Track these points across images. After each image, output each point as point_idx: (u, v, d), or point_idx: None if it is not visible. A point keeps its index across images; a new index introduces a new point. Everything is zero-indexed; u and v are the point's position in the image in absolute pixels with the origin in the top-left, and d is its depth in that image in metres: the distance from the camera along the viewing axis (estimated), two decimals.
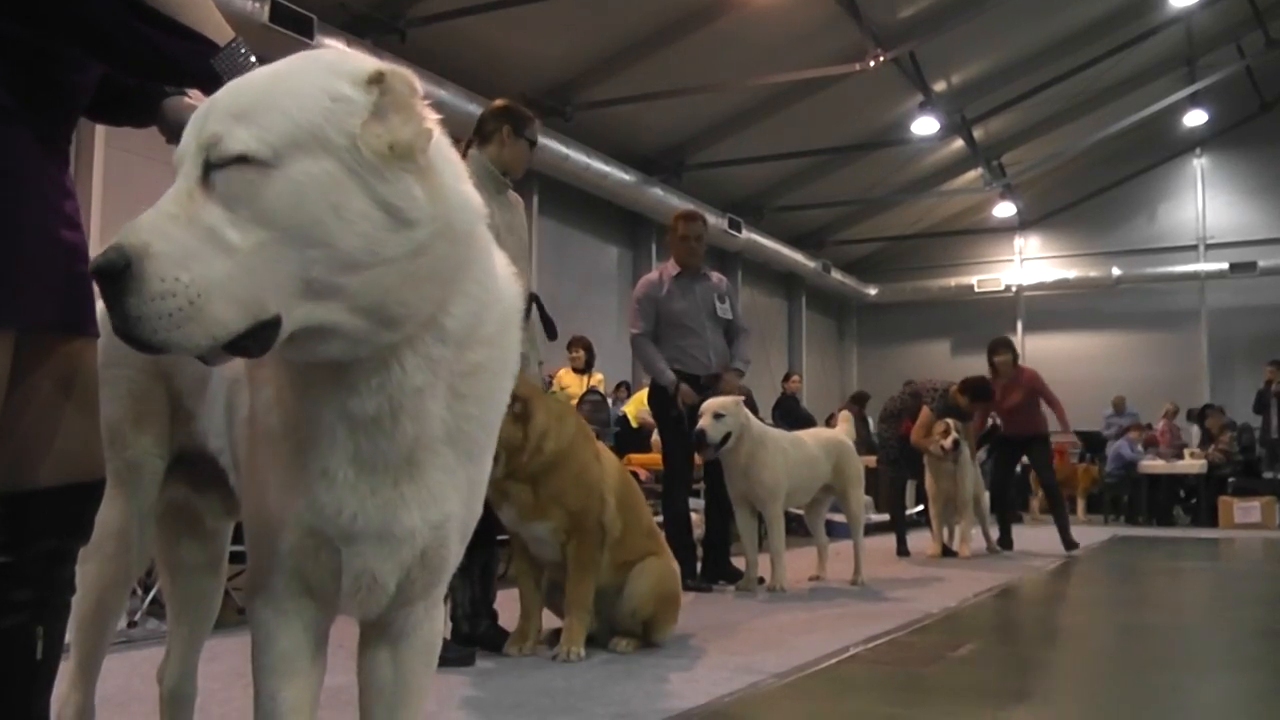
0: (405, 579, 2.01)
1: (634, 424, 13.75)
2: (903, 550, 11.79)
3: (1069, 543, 12.16)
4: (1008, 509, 13.18)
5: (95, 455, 2.19)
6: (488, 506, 5.10)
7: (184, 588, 2.97)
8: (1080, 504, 21.10)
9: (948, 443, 11.23)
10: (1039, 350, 28.97)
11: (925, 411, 11.62)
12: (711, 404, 8.06)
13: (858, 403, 19.58)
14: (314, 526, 1.92)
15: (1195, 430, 21.91)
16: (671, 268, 8.69)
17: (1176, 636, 6.65)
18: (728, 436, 8.02)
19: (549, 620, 5.70)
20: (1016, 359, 13.01)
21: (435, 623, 2.19)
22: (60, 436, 2.13)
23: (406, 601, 2.08)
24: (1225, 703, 4.81)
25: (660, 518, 8.20)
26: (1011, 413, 12.57)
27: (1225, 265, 26.98)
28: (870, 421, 19.32)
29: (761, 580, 8.51)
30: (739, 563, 8.80)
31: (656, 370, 8.43)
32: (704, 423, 7.99)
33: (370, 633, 2.16)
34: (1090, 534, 16.01)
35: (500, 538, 5.85)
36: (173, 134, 2.17)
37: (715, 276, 9.02)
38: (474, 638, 5.39)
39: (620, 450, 13.01)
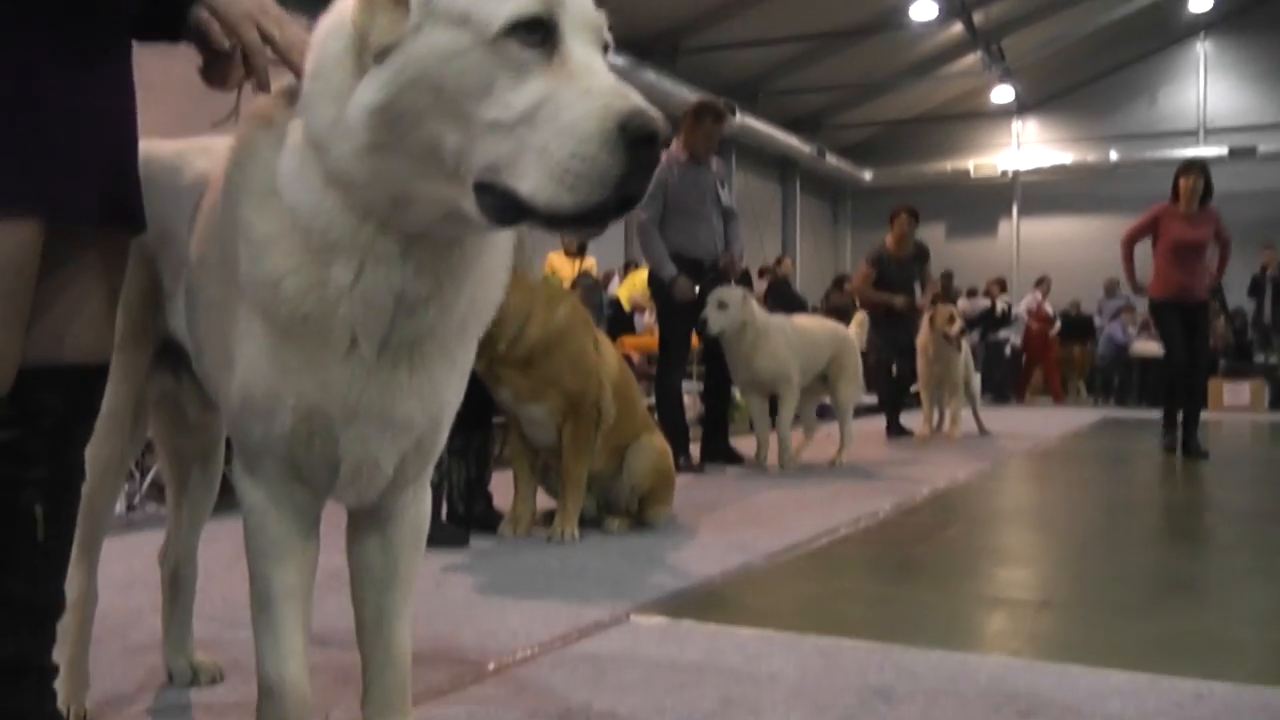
0: (399, 464, 2.06)
1: (626, 308, 13.80)
2: (895, 431, 11.89)
3: (1193, 446, 9.99)
4: (1197, 402, 10.21)
5: (109, 339, 2.22)
6: (483, 389, 5.16)
7: (181, 474, 3.01)
8: (1081, 388, 21.24)
9: (954, 330, 11.29)
10: (1034, 234, 29.06)
11: (863, 266, 11.77)
12: (718, 294, 8.20)
13: (842, 283, 19.63)
14: (318, 406, 1.94)
15: None
16: (679, 154, 8.66)
17: (1162, 516, 6.77)
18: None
19: (543, 502, 5.77)
20: (1210, 190, 9.99)
21: (423, 505, 2.23)
22: (87, 320, 2.14)
23: (397, 486, 2.12)
24: (1204, 578, 4.90)
25: (652, 399, 8.32)
26: (1181, 261, 9.92)
27: (1225, 150, 26.81)
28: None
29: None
30: (736, 444, 8.92)
31: (657, 261, 8.46)
32: (709, 311, 8.18)
33: (359, 517, 2.20)
34: (1080, 416, 16.15)
35: (496, 420, 5.90)
36: (227, 28, 2.09)
37: (716, 161, 9.04)
38: (469, 519, 5.46)
39: (612, 333, 13.07)
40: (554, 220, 1.65)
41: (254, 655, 2.10)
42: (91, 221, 2.07)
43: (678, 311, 8.47)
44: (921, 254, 12.04)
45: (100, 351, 2.17)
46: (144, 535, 4.92)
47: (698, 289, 8.35)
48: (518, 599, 4.08)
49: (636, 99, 1.62)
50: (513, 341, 5.16)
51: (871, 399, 13.56)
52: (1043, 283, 22.16)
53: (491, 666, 3.19)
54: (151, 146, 2.44)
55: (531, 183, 1.62)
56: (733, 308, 8.21)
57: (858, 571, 4.88)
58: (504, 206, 1.69)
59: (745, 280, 9.05)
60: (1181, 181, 9.85)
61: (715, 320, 8.18)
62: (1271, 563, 5.19)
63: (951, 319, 11.37)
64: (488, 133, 1.66)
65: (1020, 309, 22.12)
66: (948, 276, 19.86)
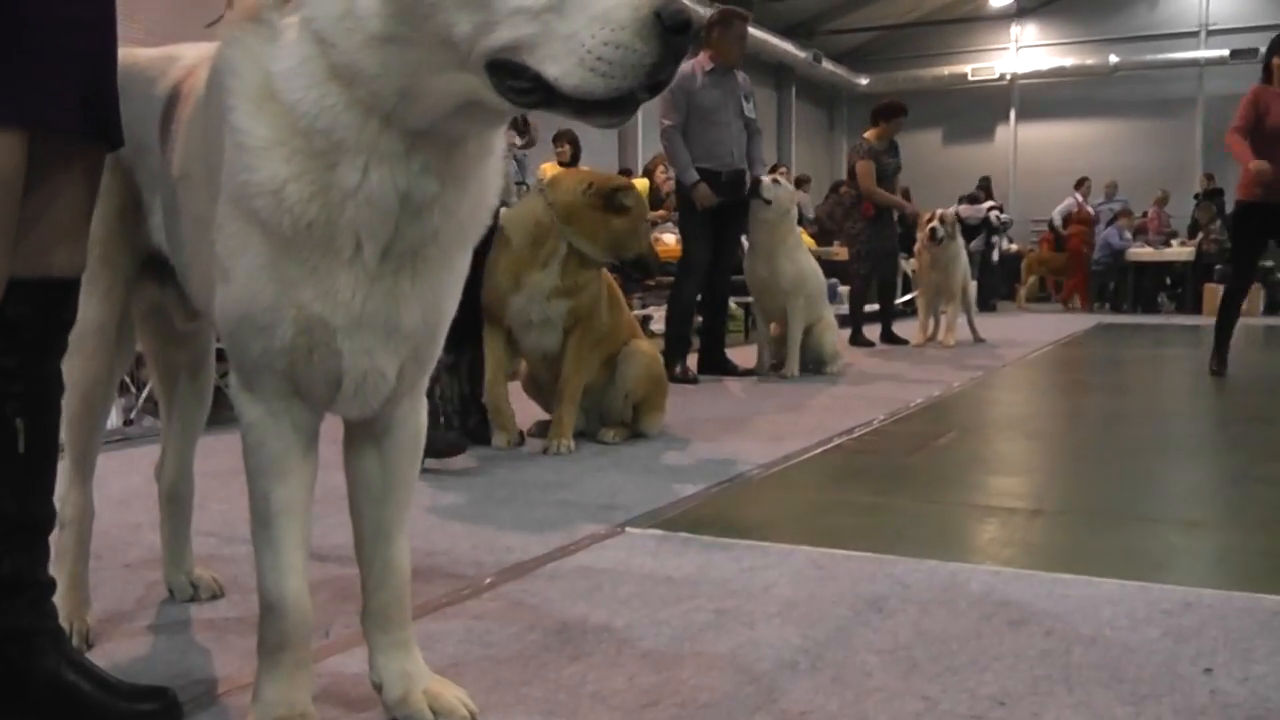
0: (398, 374, 2.06)
1: None
2: (885, 339, 11.93)
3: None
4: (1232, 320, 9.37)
5: (82, 254, 2.21)
6: (474, 303, 5.15)
7: (171, 388, 3.01)
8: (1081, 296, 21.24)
9: (924, 233, 11.28)
10: (1032, 139, 28.89)
11: (864, 164, 11.59)
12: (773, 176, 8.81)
13: (838, 189, 19.54)
14: (321, 317, 1.93)
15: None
16: (705, 62, 8.71)
17: (1155, 422, 6.78)
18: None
19: (534, 413, 5.80)
20: None
21: (420, 416, 2.23)
22: (59, 234, 2.14)
23: (394, 397, 2.11)
24: (1197, 484, 4.94)
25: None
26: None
27: (1226, 52, 26.56)
28: None
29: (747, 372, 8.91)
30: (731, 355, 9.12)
31: (681, 167, 8.55)
32: (766, 179, 8.81)
33: (356, 431, 2.21)
34: (1075, 322, 16.17)
35: None
36: None
37: (741, 75, 9.06)
38: (464, 433, 5.43)
39: None
40: (582, 105, 1.67)
41: (254, 571, 2.12)
42: (71, 132, 2.07)
43: (700, 218, 8.56)
44: (893, 145, 11.89)
45: (73, 266, 2.17)
46: (141, 450, 4.95)
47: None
48: (514, 513, 4.11)
49: None
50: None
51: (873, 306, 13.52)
52: (1083, 184, 21.99)
53: (488, 581, 3.22)
54: (127, 55, 2.41)
55: (559, 68, 1.64)
56: (784, 189, 8.87)
57: (851, 482, 4.90)
58: (523, 88, 1.70)
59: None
60: (1275, 60, 8.79)
61: (769, 190, 8.72)
62: (1261, 468, 5.23)
63: (930, 219, 11.33)
64: (509, 17, 1.66)
65: (1057, 214, 22.04)
66: None
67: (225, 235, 1.95)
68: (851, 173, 11.77)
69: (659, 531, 3.80)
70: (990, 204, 18.65)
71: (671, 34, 1.60)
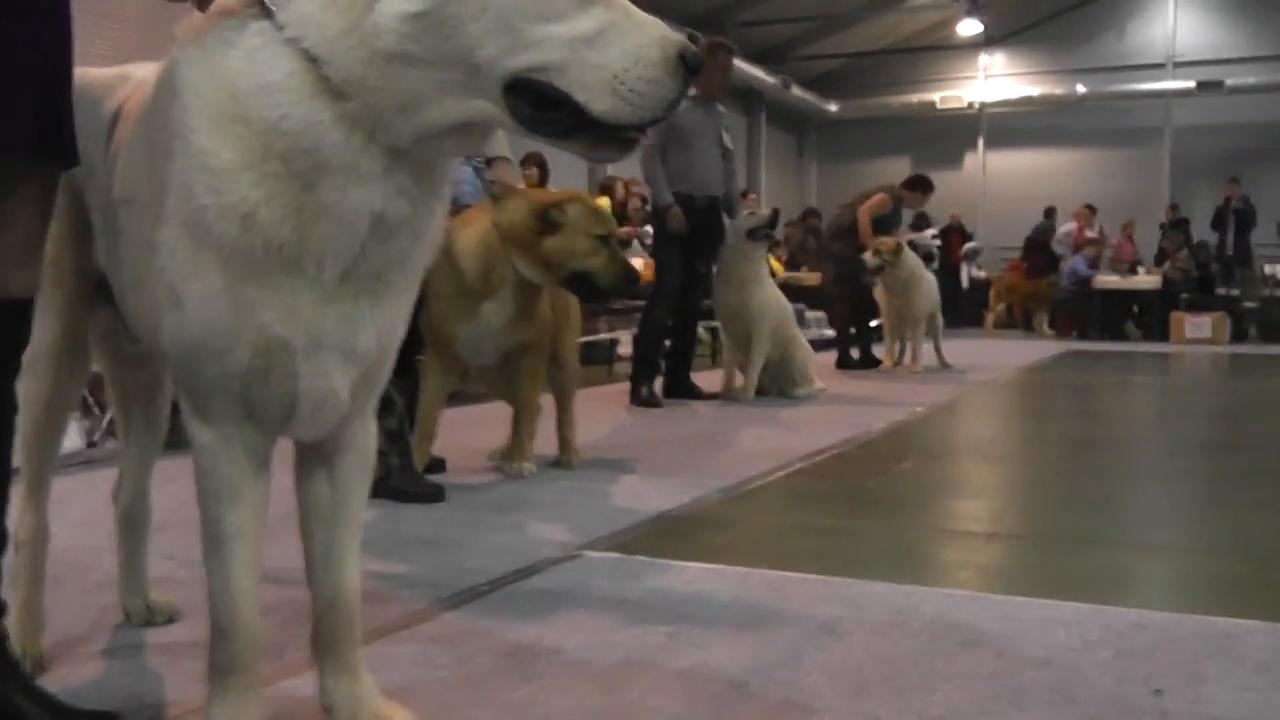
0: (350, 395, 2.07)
1: None
2: (845, 365, 12.01)
3: None
4: None
5: (36, 274, 2.22)
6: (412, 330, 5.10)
7: (128, 410, 3.01)
8: (1043, 319, 21.37)
9: (870, 258, 11.36)
10: (1000, 166, 29.08)
11: (880, 196, 11.84)
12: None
13: (807, 218, 19.69)
14: (280, 339, 1.93)
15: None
16: (691, 89, 8.70)
17: (1118, 448, 6.84)
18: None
19: (490, 437, 5.80)
20: None
21: (369, 437, 2.25)
22: (13, 254, 2.14)
23: (346, 418, 2.12)
24: (1156, 510, 4.98)
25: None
26: None
27: (1193, 84, 26.83)
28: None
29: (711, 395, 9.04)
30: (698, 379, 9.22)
31: (657, 189, 8.66)
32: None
33: (307, 454, 2.21)
34: (1042, 349, 16.27)
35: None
36: None
37: (720, 107, 9.22)
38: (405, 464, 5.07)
39: None
40: (602, 135, 1.83)
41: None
42: (23, 153, 2.07)
43: (673, 241, 8.65)
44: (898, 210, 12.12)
45: (29, 286, 2.18)
46: (104, 472, 4.89)
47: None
48: (472, 536, 4.11)
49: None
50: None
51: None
52: (1081, 213, 22.13)
53: (443, 604, 3.22)
54: (79, 75, 2.41)
55: (588, 94, 1.78)
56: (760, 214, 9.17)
57: (810, 505, 4.93)
58: (549, 118, 1.82)
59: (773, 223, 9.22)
60: None
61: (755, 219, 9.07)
62: (1221, 493, 5.29)
63: (877, 250, 11.43)
64: (540, 42, 1.77)
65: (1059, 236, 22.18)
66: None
67: (177, 260, 1.94)
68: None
69: (616, 554, 3.81)
70: (931, 232, 18.70)
71: (691, 74, 1.82)
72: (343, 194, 1.86)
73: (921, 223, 19.32)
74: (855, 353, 12.12)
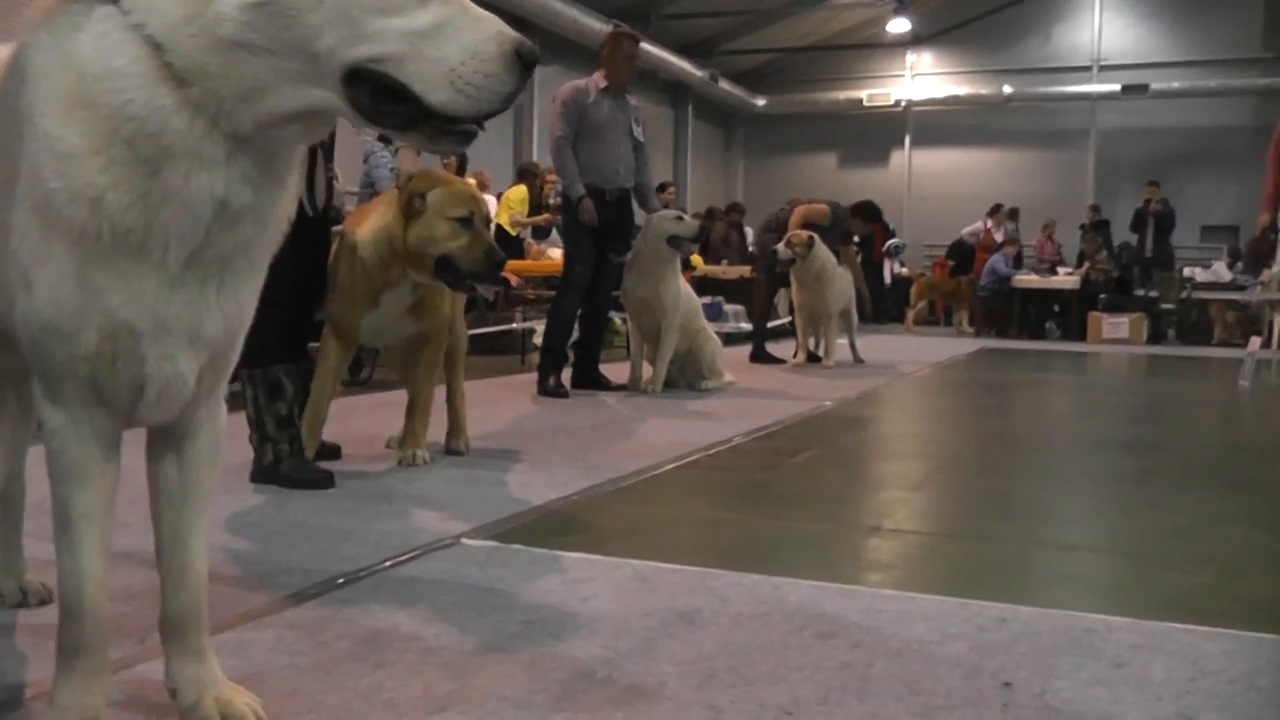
0: (197, 379, 2.10)
1: (511, 231, 13.76)
2: (759, 357, 12.13)
3: None
4: None
5: None
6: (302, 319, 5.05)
7: (1, 392, 3.01)
8: (964, 317, 21.58)
9: (782, 249, 11.45)
10: (926, 164, 29.35)
11: (823, 207, 12.08)
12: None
13: (729, 213, 19.79)
14: (127, 323, 1.95)
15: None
16: (600, 80, 8.87)
17: (1023, 445, 6.95)
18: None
19: (390, 423, 5.81)
20: None
21: (217, 421, 2.27)
22: None
23: (193, 402, 2.15)
24: (1047, 507, 5.01)
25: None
26: None
27: (1118, 87, 27.23)
28: (750, 232, 19.53)
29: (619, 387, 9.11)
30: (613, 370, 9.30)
31: (569, 179, 8.70)
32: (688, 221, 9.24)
33: (156, 437, 2.23)
34: (959, 346, 16.43)
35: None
36: None
37: (633, 98, 9.21)
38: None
39: None
40: (440, 127, 1.91)
41: None
42: None
43: (585, 232, 8.69)
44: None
45: None
46: None
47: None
48: (356, 523, 4.13)
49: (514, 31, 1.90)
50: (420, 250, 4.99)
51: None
52: (997, 212, 22.34)
53: (311, 591, 3.23)
54: None
55: (425, 85, 1.85)
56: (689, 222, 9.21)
57: (696, 497, 4.99)
58: (390, 110, 1.90)
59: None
60: None
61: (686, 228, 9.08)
62: (1116, 491, 5.40)
63: (789, 242, 11.54)
64: (378, 34, 1.83)
65: (966, 233, 22.45)
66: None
67: (28, 244, 1.96)
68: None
69: (492, 543, 3.84)
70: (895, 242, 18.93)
71: (528, 69, 1.89)
72: (186, 179, 1.89)
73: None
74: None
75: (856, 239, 13.23)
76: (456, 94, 1.85)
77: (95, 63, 1.86)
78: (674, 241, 8.93)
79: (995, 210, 22.49)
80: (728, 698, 2.47)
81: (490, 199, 12.87)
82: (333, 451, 5.44)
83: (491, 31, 1.88)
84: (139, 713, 2.35)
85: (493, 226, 13.25)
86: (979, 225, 22.49)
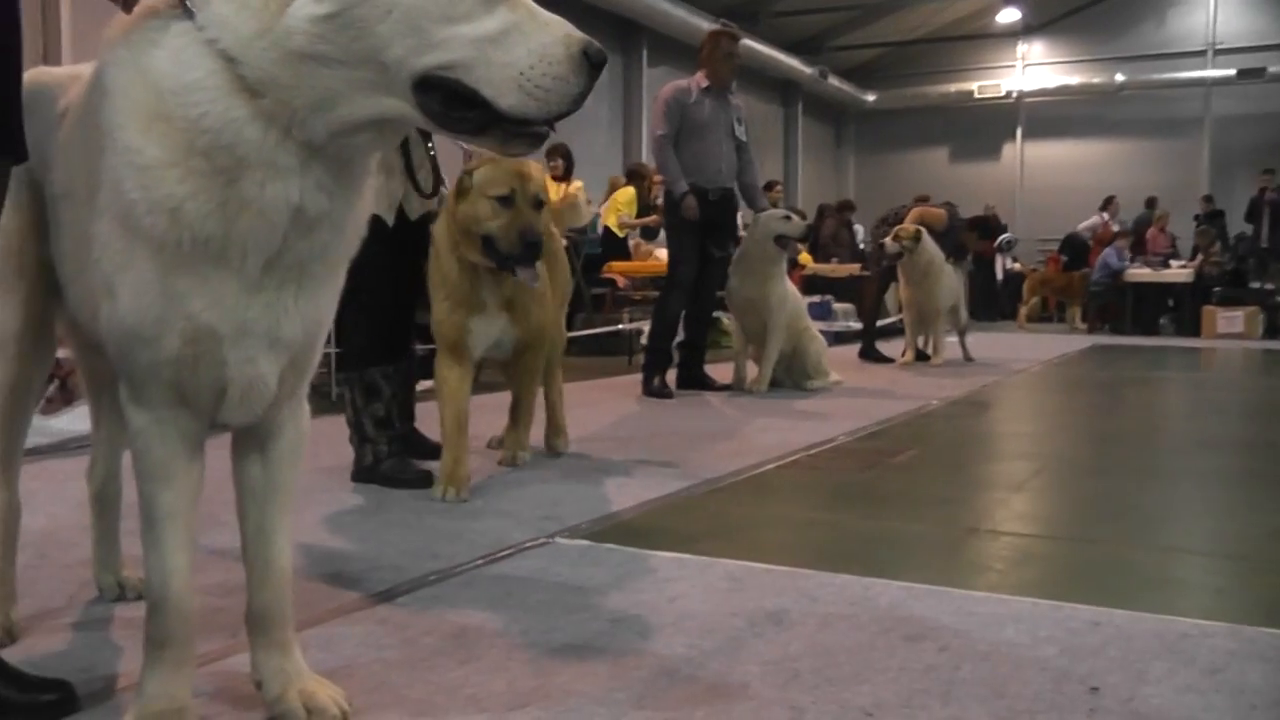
0: (279, 380, 2.16)
1: (619, 232, 13.82)
2: (868, 355, 12.08)
3: None
4: None
5: None
6: (406, 317, 5.07)
7: (98, 393, 3.10)
8: (1076, 313, 21.25)
9: (889, 242, 11.37)
10: (1038, 157, 28.93)
11: (941, 211, 12.04)
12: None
13: (840, 211, 19.65)
14: (208, 327, 2.02)
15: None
16: (702, 80, 8.92)
17: (1129, 445, 6.80)
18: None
19: (494, 423, 5.86)
20: None
21: (300, 422, 2.33)
22: None
23: (275, 403, 2.21)
24: (1150, 508, 4.90)
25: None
26: None
27: (1233, 71, 26.64)
28: (861, 229, 19.43)
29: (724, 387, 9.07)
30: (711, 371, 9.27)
31: (672, 177, 8.70)
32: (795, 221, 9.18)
33: (241, 437, 2.30)
34: (1071, 343, 16.18)
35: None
36: None
37: (735, 98, 9.22)
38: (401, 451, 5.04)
39: (604, 258, 13.14)
40: (513, 131, 1.95)
41: None
42: None
43: (688, 231, 8.70)
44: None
45: None
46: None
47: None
48: (453, 522, 4.19)
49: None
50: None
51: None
52: (1110, 204, 22.00)
53: (404, 587, 3.29)
54: (40, 74, 2.54)
55: (495, 90, 1.89)
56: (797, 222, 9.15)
57: (792, 496, 4.97)
58: (449, 111, 1.93)
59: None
60: None
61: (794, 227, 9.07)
62: (1221, 492, 5.28)
63: (896, 235, 11.46)
64: (444, 43, 1.87)
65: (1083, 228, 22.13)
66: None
67: (110, 252, 2.04)
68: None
69: (586, 542, 3.87)
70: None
71: (596, 70, 1.92)
72: (262, 188, 1.94)
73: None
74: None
75: (969, 255, 13.12)
76: (526, 97, 1.89)
77: (171, 78, 1.92)
78: (781, 240, 8.92)
79: (1108, 203, 22.11)
80: (810, 698, 2.47)
81: (581, 201, 12.81)
82: (427, 446, 5.44)
83: (559, 34, 1.91)
84: (227, 704, 2.41)
85: (598, 225, 13.43)
86: (1096, 220, 22.10)
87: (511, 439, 5.48)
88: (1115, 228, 21.31)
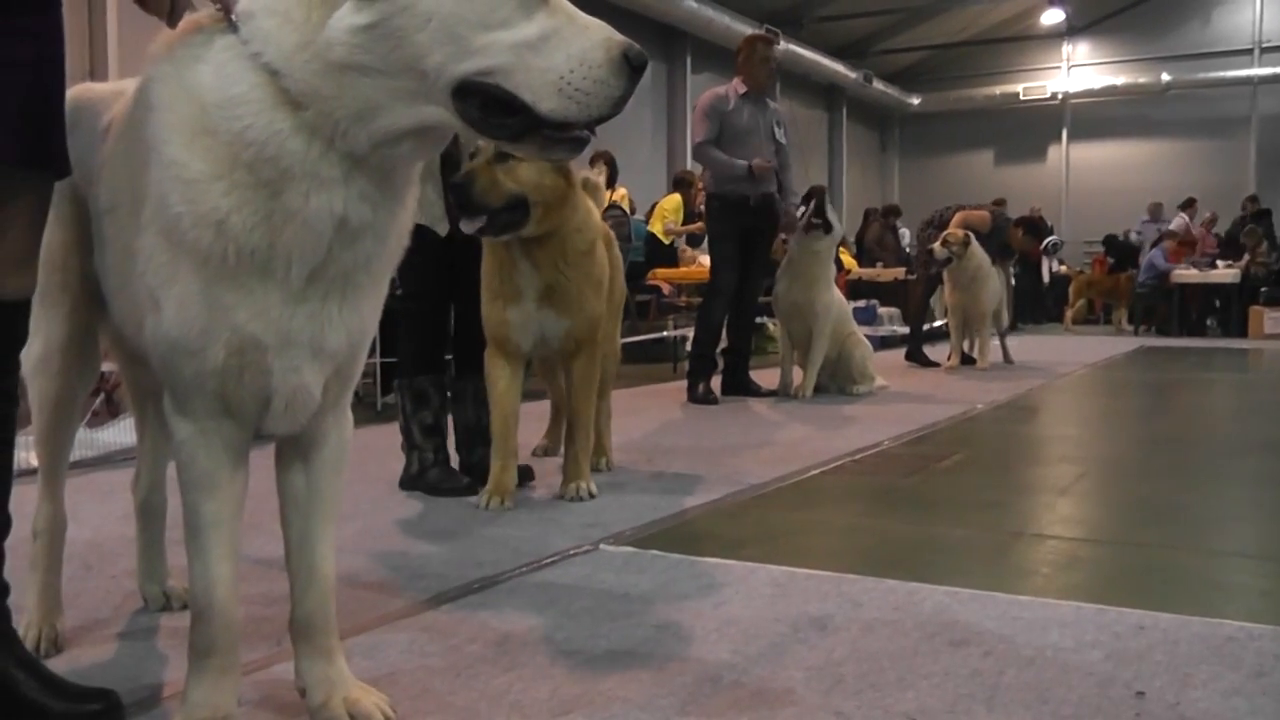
0: (323, 390, 2.18)
1: (665, 240, 13.83)
2: (914, 358, 12.06)
3: None
4: None
5: (31, 276, 2.34)
6: (477, 329, 5.00)
7: (142, 405, 3.14)
8: (1122, 315, 21.09)
9: (938, 248, 11.33)
10: (1084, 158, 28.74)
11: (985, 214, 11.99)
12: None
13: (886, 215, 19.59)
14: (253, 338, 2.04)
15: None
16: (740, 86, 8.93)
17: (1175, 448, 6.75)
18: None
19: (540, 431, 5.88)
20: None
21: (344, 431, 2.35)
22: (7, 257, 2.26)
23: (319, 413, 2.23)
24: (1198, 511, 4.86)
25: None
26: None
27: None
28: (907, 233, 19.38)
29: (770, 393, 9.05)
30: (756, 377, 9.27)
31: (726, 166, 8.65)
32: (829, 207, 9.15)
33: (284, 446, 2.32)
34: (1117, 345, 16.06)
35: None
36: None
37: (774, 103, 9.25)
38: (468, 466, 5.11)
39: (648, 265, 13.14)
40: (553, 136, 1.96)
41: None
42: (10, 163, 2.18)
43: (729, 238, 8.75)
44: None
45: (24, 288, 2.30)
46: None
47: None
48: (498, 530, 4.21)
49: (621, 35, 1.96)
50: (569, 216, 4.59)
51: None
52: (1191, 205, 21.81)
53: (449, 594, 3.31)
54: (82, 90, 2.57)
55: (535, 95, 1.90)
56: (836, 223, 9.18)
57: (837, 503, 4.96)
58: (502, 123, 1.94)
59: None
60: None
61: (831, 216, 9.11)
62: (1268, 494, 5.24)
63: (944, 241, 11.43)
64: (483, 49, 1.89)
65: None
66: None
67: (155, 266, 2.06)
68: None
69: (630, 549, 3.88)
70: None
71: (637, 73, 1.93)
72: (306, 200, 1.96)
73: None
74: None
75: (1015, 256, 13.06)
76: (566, 101, 1.90)
77: (216, 92, 1.95)
78: (820, 215, 8.95)
79: (1189, 204, 21.88)
80: (853, 704, 2.47)
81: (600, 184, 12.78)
82: (525, 473, 5.08)
83: (599, 38, 1.93)
84: (272, 711, 2.43)
85: (636, 230, 13.38)
86: (1180, 222, 21.75)
87: (573, 468, 4.90)
88: (1195, 230, 21.09)
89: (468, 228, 4.37)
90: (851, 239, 19.47)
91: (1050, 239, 22.20)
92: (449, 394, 5.10)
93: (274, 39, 1.92)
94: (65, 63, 2.30)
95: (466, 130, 1.97)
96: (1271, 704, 2.49)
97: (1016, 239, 12.42)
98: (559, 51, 1.90)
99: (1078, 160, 29.15)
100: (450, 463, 4.97)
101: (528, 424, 5.08)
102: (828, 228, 8.97)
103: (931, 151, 30.38)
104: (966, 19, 27.92)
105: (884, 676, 2.64)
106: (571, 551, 3.84)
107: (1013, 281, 12.25)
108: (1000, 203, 12.61)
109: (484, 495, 4.63)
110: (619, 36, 1.95)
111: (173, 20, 2.11)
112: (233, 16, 1.96)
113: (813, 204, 9.00)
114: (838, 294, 9.36)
